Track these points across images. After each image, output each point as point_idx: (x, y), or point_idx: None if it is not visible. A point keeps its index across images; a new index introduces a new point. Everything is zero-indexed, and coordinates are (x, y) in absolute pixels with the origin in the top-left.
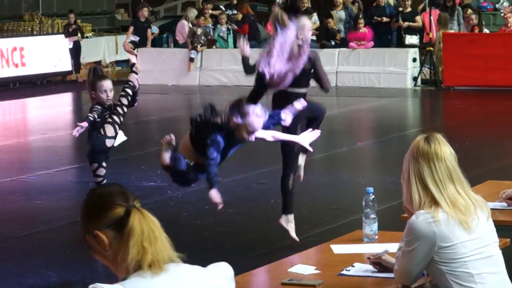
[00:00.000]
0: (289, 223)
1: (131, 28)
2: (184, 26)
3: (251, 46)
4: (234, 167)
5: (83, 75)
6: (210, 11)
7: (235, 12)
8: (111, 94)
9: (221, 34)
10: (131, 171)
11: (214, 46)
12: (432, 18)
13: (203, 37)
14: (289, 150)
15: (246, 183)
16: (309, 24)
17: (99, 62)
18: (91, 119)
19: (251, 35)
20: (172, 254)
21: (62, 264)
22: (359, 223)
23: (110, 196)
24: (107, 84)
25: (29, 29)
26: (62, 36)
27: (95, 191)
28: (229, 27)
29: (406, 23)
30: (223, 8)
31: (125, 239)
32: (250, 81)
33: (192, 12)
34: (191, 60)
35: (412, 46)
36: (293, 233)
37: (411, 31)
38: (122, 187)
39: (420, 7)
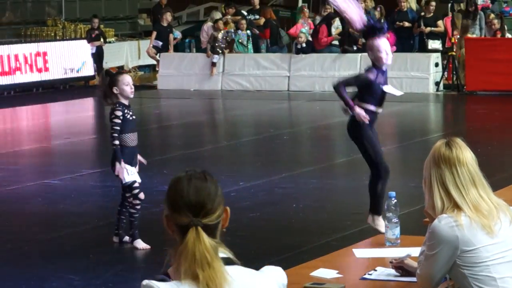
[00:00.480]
0: (374, 221)
1: (154, 33)
2: (210, 28)
3: (273, 51)
4: (257, 171)
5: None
6: (230, 16)
7: (257, 17)
8: (133, 88)
9: (240, 40)
10: (153, 175)
11: (233, 50)
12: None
13: (223, 42)
14: (375, 151)
15: (268, 187)
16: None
17: (121, 67)
18: (117, 144)
19: (274, 41)
20: (227, 277)
21: (85, 268)
22: None
23: (183, 200)
24: (129, 78)
25: (52, 34)
26: (85, 41)
27: (177, 184)
28: (249, 32)
29: (428, 29)
30: (245, 13)
31: (179, 253)
32: (272, 86)
33: (217, 15)
34: (214, 64)
35: (434, 51)
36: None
37: (434, 35)
38: (202, 193)
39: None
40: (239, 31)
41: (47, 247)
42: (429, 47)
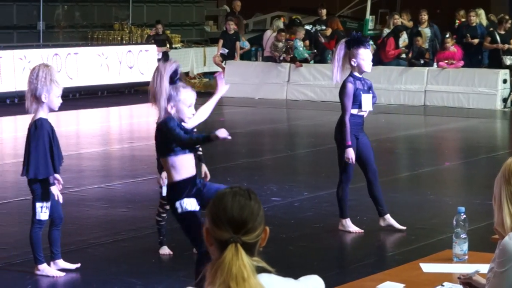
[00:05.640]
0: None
1: (221, 41)
2: (272, 37)
3: None
4: (321, 182)
5: None
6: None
7: (323, 27)
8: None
9: (299, 44)
10: (217, 182)
11: (294, 57)
12: None
13: (284, 50)
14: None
15: (332, 199)
16: None
17: (186, 73)
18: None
19: None
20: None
21: (146, 272)
22: (446, 243)
23: (226, 215)
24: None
25: (119, 38)
26: (151, 46)
27: (222, 199)
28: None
29: (506, 46)
30: (308, 28)
31: (216, 267)
32: (337, 97)
33: (280, 24)
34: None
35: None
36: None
37: (508, 52)
38: (245, 211)
39: None
40: (298, 40)
41: (110, 250)
42: (507, 63)
